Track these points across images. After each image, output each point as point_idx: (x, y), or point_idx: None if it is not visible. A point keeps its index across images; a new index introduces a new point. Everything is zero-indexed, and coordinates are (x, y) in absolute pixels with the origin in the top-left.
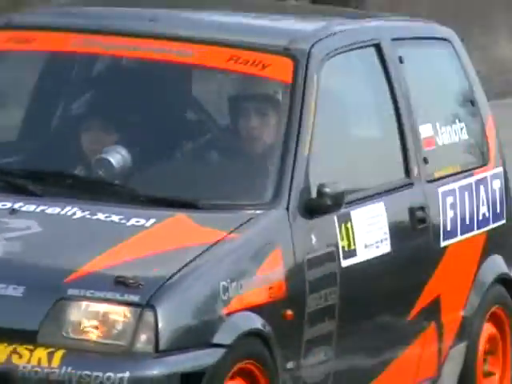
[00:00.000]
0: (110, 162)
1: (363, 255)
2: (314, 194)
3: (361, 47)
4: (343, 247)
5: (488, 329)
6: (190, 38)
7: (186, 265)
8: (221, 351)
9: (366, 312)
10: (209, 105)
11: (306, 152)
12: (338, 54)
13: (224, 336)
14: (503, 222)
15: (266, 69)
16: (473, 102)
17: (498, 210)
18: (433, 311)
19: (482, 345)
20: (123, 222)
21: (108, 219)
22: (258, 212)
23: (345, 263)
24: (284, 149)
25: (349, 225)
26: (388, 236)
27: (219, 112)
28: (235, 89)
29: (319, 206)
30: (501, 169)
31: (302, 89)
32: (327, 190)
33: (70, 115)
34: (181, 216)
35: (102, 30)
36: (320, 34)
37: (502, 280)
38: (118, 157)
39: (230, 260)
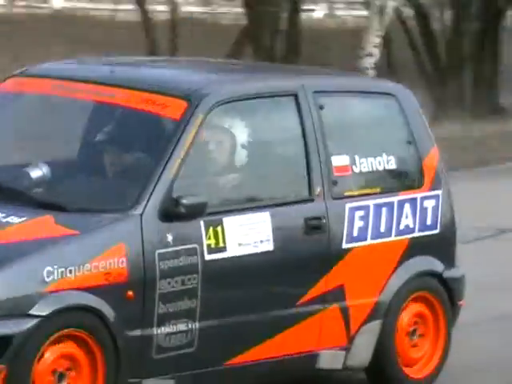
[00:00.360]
0: (29, 174)
1: (235, 251)
2: (173, 205)
3: (273, 96)
4: (209, 245)
5: (415, 308)
6: (118, 84)
7: (19, 252)
8: (34, 321)
9: (238, 295)
10: (114, 134)
11: (171, 174)
12: (236, 100)
13: (41, 309)
14: (436, 231)
15: (166, 109)
16: (410, 142)
17: (430, 223)
18: (334, 297)
19: (402, 322)
20: (2, 218)
21: None
22: (114, 215)
23: (209, 257)
24: (151, 170)
25: (219, 228)
26: (271, 238)
27: (121, 140)
28: (138, 122)
29: (175, 213)
30: (438, 192)
31: (184, 125)
32: (184, 201)
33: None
34: (47, 216)
35: (68, 79)
36: (222, 84)
37: (430, 275)
38: (37, 171)
39: (63, 250)
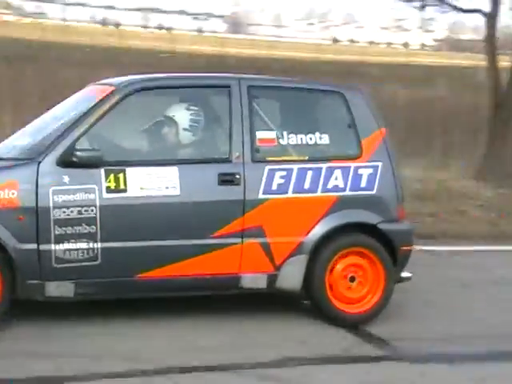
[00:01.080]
0: (15, 145)
1: (136, 192)
2: (70, 156)
3: (203, 87)
4: (108, 186)
5: (353, 259)
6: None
7: None
8: None
9: (140, 225)
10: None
11: (77, 133)
12: (153, 88)
13: None
14: (372, 192)
15: (102, 93)
16: (350, 126)
17: (365, 185)
18: (252, 234)
19: (337, 266)
20: None
21: None
22: (20, 162)
23: (108, 195)
24: (60, 133)
25: (120, 175)
26: (178, 185)
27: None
28: (85, 104)
29: (70, 162)
30: (377, 163)
31: (101, 103)
32: (78, 153)
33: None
34: None
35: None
36: (145, 79)
37: (363, 225)
38: (21, 141)
39: None
